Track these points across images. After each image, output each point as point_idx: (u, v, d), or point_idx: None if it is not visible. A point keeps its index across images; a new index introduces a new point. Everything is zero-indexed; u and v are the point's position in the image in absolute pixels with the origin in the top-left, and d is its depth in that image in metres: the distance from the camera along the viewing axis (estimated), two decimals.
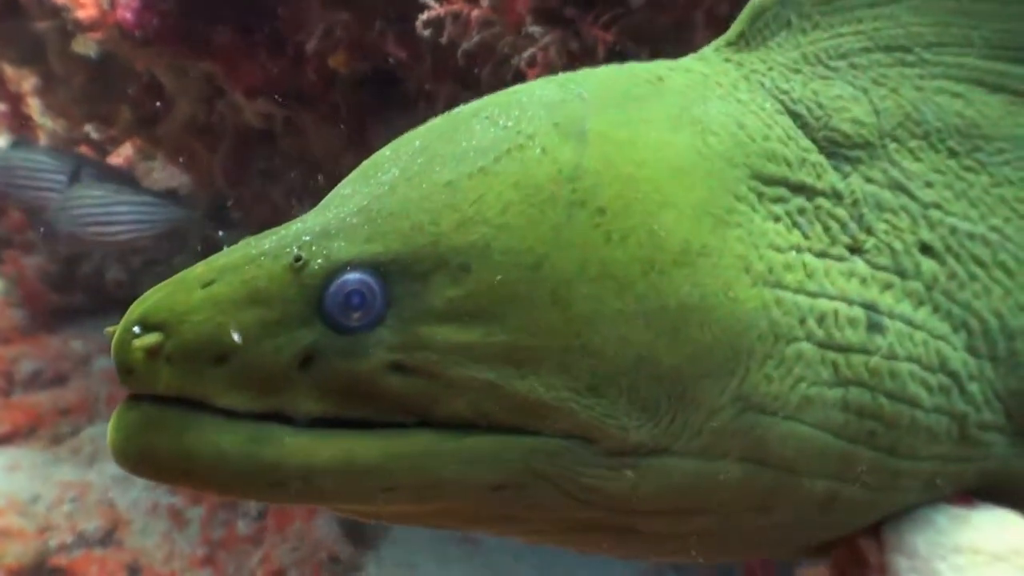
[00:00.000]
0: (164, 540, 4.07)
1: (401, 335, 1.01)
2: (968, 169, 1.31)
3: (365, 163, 1.20)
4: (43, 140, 5.61)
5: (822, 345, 1.16)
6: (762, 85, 1.29)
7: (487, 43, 2.67)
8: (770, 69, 1.30)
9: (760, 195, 1.18)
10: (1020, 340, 1.27)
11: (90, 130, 5.70)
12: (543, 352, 1.03)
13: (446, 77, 3.06)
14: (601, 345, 1.03)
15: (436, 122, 1.21)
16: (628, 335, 1.04)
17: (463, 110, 1.21)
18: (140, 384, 0.99)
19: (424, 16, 2.63)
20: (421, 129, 1.21)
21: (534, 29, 2.61)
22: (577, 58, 2.65)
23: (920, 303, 1.23)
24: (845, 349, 1.17)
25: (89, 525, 4.08)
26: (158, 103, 3.99)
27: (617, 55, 2.69)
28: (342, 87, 3.44)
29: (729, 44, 1.35)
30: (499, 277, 1.03)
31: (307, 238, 1.04)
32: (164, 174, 6.20)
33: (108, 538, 4.08)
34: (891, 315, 1.20)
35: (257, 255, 1.03)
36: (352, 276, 1.01)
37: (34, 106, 5.61)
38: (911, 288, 1.23)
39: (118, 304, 1.09)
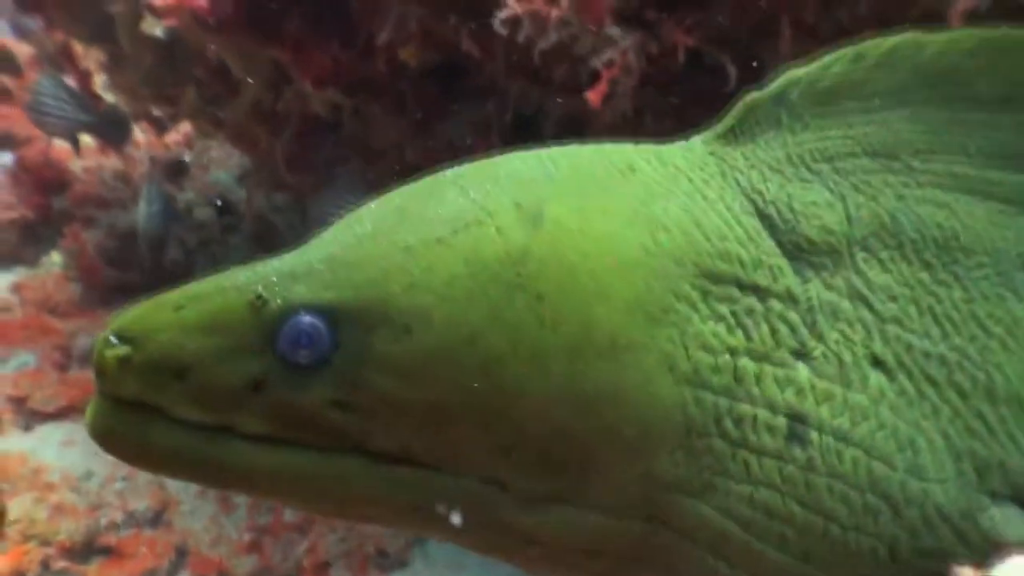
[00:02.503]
0: (212, 523, 4.09)
1: (343, 376, 1.12)
2: (941, 283, 1.30)
3: (353, 212, 1.29)
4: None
5: (736, 444, 1.19)
6: (737, 183, 1.30)
7: (564, 44, 2.61)
8: (751, 167, 1.31)
9: (706, 294, 1.21)
10: (967, 461, 1.23)
11: (152, 107, 5.74)
12: (467, 415, 1.12)
13: (519, 75, 3.01)
14: (521, 418, 1.12)
15: (421, 182, 1.28)
16: (547, 412, 1.12)
17: (448, 174, 1.27)
18: (110, 387, 1.13)
19: (502, 15, 2.57)
20: (406, 188, 1.28)
21: (613, 31, 2.55)
22: (656, 61, 2.59)
23: (863, 418, 1.22)
24: (759, 452, 1.20)
25: (139, 505, 4.11)
26: (224, 87, 3.99)
27: (698, 60, 2.63)
28: (410, 77, 3.40)
29: (717, 137, 1.35)
30: (436, 343, 1.11)
31: (274, 278, 1.14)
32: (221, 152, 6.25)
33: (158, 519, 4.11)
34: (821, 429, 1.21)
35: (228, 287, 1.15)
36: (304, 319, 1.11)
37: (99, 83, 5.67)
38: (854, 401, 1.22)
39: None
